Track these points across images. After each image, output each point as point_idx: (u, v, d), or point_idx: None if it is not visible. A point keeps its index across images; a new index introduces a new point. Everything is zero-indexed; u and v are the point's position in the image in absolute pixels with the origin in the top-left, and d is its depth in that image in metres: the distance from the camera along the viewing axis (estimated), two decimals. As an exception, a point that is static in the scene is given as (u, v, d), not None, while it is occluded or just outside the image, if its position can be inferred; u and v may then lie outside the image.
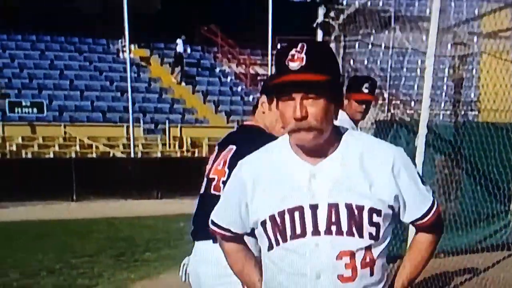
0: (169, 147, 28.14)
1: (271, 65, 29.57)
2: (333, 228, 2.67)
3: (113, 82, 31.52)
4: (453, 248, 9.27)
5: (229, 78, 34.98)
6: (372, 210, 2.69)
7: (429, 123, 7.42)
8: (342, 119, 6.15)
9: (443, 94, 11.39)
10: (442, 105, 11.54)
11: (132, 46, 30.54)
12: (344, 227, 2.67)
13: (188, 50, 34.13)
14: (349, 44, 10.05)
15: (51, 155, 25.22)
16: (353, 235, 2.67)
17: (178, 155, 27.34)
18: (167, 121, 28.60)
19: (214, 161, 4.34)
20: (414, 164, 2.92)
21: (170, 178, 21.41)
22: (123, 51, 32.73)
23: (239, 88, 34.14)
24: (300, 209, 2.70)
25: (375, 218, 2.69)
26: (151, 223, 16.09)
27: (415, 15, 10.65)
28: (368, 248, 2.70)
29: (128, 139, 26.73)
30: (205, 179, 4.35)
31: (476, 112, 11.87)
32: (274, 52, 28.82)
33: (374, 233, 2.70)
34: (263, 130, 4.23)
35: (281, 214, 2.72)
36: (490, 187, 9.54)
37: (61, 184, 20.41)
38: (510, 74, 9.48)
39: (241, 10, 35.83)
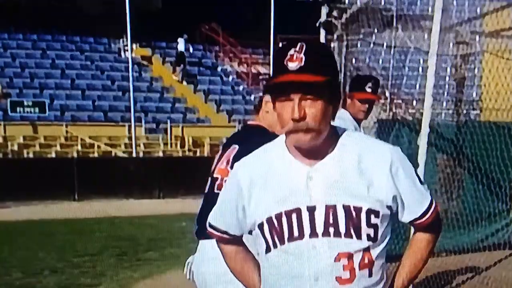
0: (171, 146, 28.14)
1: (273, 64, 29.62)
2: (331, 230, 2.65)
3: (115, 82, 31.52)
4: (455, 247, 9.29)
5: (230, 77, 34.98)
6: (370, 211, 2.67)
7: (431, 122, 7.43)
8: (345, 118, 6.22)
9: (445, 93, 11.40)
10: (444, 104, 11.55)
11: (134, 46, 30.52)
12: (342, 229, 2.65)
13: (190, 49, 34.11)
14: (351, 43, 10.06)
15: (53, 155, 25.22)
16: (351, 236, 2.66)
17: (180, 154, 27.33)
18: (168, 121, 28.60)
19: (218, 161, 4.37)
20: (412, 163, 2.91)
21: (172, 178, 21.43)
22: (124, 50, 32.74)
23: (241, 87, 34.14)
24: (298, 211, 2.68)
25: (373, 219, 2.68)
26: (153, 222, 16.10)
27: (417, 13, 10.66)
28: (367, 250, 2.68)
29: (129, 138, 26.74)
30: (210, 178, 4.38)
31: (478, 111, 11.87)
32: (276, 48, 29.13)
33: (372, 234, 2.68)
34: (266, 129, 4.26)
35: (278, 216, 2.70)
36: (492, 186, 9.56)
37: (63, 184, 20.42)
38: (512, 73, 9.49)
39: (243, 9, 35.85)
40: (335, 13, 9.69)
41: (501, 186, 9.48)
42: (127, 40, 28.42)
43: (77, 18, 32.28)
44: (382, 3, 10.07)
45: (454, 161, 9.63)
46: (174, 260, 10.89)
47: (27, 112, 26.83)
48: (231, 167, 4.07)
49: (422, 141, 7.29)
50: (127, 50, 29.23)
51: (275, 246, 2.72)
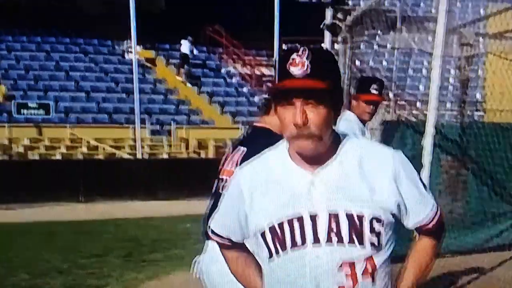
0: (175, 148, 28.15)
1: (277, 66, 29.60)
2: (334, 237, 2.64)
3: (119, 84, 31.55)
4: (459, 247, 9.32)
5: (234, 79, 34.99)
6: (373, 219, 2.65)
7: (435, 123, 7.46)
8: (350, 119, 6.28)
9: (449, 94, 11.43)
10: (448, 105, 11.58)
11: (138, 48, 30.56)
12: (345, 236, 2.64)
13: (194, 51, 34.14)
14: (356, 45, 10.09)
15: (58, 157, 25.25)
16: (354, 244, 2.64)
17: (184, 156, 27.34)
18: (173, 122, 28.62)
19: (224, 162, 4.41)
20: (417, 164, 2.91)
21: (177, 179, 21.44)
22: (128, 52, 32.77)
23: (245, 89, 34.14)
24: (300, 218, 2.66)
25: (377, 226, 2.66)
26: (158, 223, 16.11)
27: (420, 15, 10.69)
28: (370, 257, 2.67)
29: (134, 140, 26.76)
30: (217, 179, 4.41)
31: (482, 113, 11.91)
32: (280, 52, 29.07)
33: (375, 242, 2.67)
34: (272, 131, 4.28)
35: (280, 223, 2.69)
36: (496, 187, 9.59)
37: (68, 186, 20.42)
38: (516, 74, 9.53)
39: (247, 10, 35.86)
40: (340, 15, 9.72)
41: (505, 187, 9.52)
42: (131, 42, 28.45)
43: (81, 20, 32.32)
44: (386, 4, 10.11)
45: (459, 162, 9.66)
46: (178, 261, 10.94)
47: (33, 114, 26.86)
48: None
49: (427, 142, 7.31)
50: (131, 52, 29.26)
51: (277, 253, 2.71)
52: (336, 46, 9.94)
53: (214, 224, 3.05)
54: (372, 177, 2.69)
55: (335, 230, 2.63)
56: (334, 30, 9.74)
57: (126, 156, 26.02)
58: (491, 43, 10.70)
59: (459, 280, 8.80)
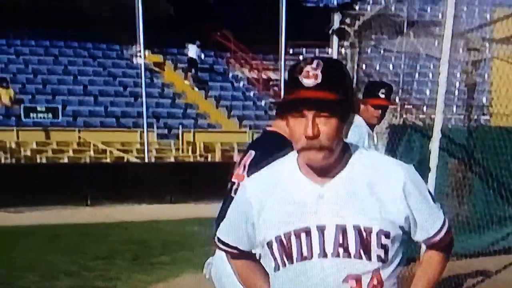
0: (182, 152, 28.19)
1: (284, 70, 29.63)
2: (341, 250, 2.62)
3: (127, 88, 31.61)
4: (465, 251, 9.34)
5: (241, 83, 35.03)
6: (381, 232, 2.63)
7: (442, 127, 7.51)
8: (358, 123, 6.33)
9: (456, 98, 11.46)
10: (455, 109, 11.62)
11: (146, 52, 30.63)
12: (352, 250, 2.62)
13: (202, 56, 34.19)
14: (363, 50, 10.13)
15: (66, 160, 25.31)
16: (361, 258, 2.62)
17: (192, 159, 27.37)
18: (180, 126, 28.65)
19: (236, 165, 4.46)
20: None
21: (184, 183, 21.48)
22: (136, 57, 32.84)
23: (252, 93, 34.19)
24: (307, 230, 2.65)
25: (384, 240, 2.64)
26: (165, 227, 16.16)
27: (427, 20, 10.74)
28: (376, 271, 2.65)
29: (141, 144, 26.80)
30: (229, 182, 4.46)
31: (488, 117, 11.94)
32: (287, 57, 29.13)
33: (382, 256, 2.64)
34: (283, 136, 4.30)
35: (288, 235, 2.67)
36: (502, 191, 9.62)
37: (75, 189, 20.43)
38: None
39: (254, 15, 35.92)
40: (348, 20, 9.76)
41: (511, 190, 9.54)
42: (139, 47, 28.53)
43: (89, 24, 32.41)
44: (393, 9, 10.16)
45: (465, 165, 9.69)
46: (186, 264, 11.01)
47: (41, 117, 26.90)
48: (247, 173, 4.17)
49: (434, 146, 7.36)
50: (139, 56, 29.32)
51: (284, 265, 2.70)
52: (342, 50, 9.99)
53: (222, 233, 3.04)
54: (381, 190, 2.67)
55: (342, 243, 2.62)
56: (342, 35, 9.79)
57: (133, 159, 26.06)
58: (497, 48, 10.73)
59: (465, 283, 8.83)
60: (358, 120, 6.32)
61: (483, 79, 11.61)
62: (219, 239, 3.05)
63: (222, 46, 36.37)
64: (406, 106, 11.71)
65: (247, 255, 3.01)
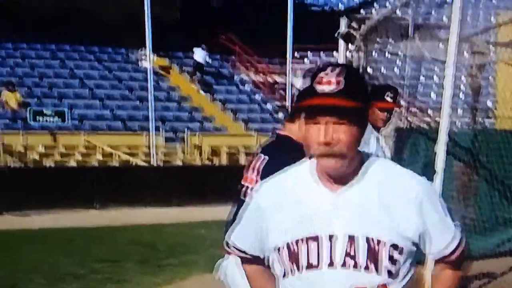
0: (189, 155, 28.22)
1: (290, 73, 29.70)
2: (350, 261, 2.58)
3: (133, 91, 31.67)
4: (470, 252, 9.39)
5: (247, 86, 35.08)
6: (392, 246, 2.59)
7: (448, 130, 7.55)
8: (365, 127, 6.37)
9: (461, 101, 11.51)
10: (460, 112, 11.66)
11: (152, 56, 30.69)
12: (362, 262, 2.58)
13: (207, 59, 34.24)
14: (369, 53, 10.19)
15: (73, 164, 25.34)
16: (369, 270, 2.58)
17: (198, 163, 27.40)
18: (186, 130, 28.69)
19: (247, 169, 4.51)
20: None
21: (190, 186, 21.53)
22: (142, 60, 32.90)
23: (257, 96, 34.23)
24: (317, 239, 2.61)
25: (395, 255, 2.60)
26: (172, 230, 16.19)
27: (432, 23, 10.80)
28: (384, 285, 2.61)
29: (148, 147, 26.84)
30: (241, 185, 4.51)
31: (493, 120, 11.98)
32: (293, 60, 29.17)
33: (392, 270, 2.60)
34: (294, 140, 4.33)
35: (297, 242, 2.64)
36: (507, 193, 9.66)
37: (82, 192, 20.47)
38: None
39: (260, 19, 35.97)
40: (354, 24, 9.82)
41: (516, 192, 9.59)
42: (145, 50, 28.58)
43: (96, 28, 32.47)
44: (398, 13, 10.22)
45: (470, 168, 9.73)
46: (193, 266, 11.08)
47: (48, 121, 26.93)
48: (259, 178, 4.22)
49: (440, 149, 7.40)
50: (145, 60, 29.36)
51: (292, 272, 2.67)
52: (348, 54, 10.06)
53: (233, 237, 3.01)
54: (395, 203, 2.63)
55: (352, 254, 2.58)
56: (348, 39, 9.85)
57: (140, 163, 26.09)
58: (502, 51, 10.78)
59: (470, 285, 8.86)
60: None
61: (488, 82, 11.66)
62: (230, 243, 3.04)
63: (228, 49, 36.42)
64: (411, 109, 11.76)
65: (257, 260, 2.97)
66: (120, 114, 29.69)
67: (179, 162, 26.79)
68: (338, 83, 2.52)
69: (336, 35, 9.98)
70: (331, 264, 2.60)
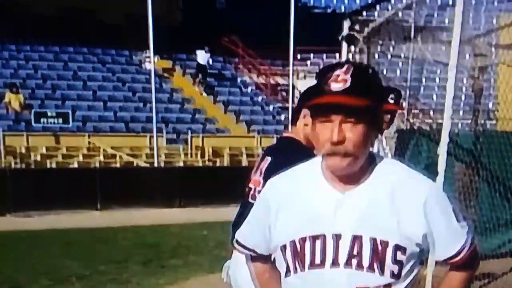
0: (191, 156, 28.25)
1: (292, 75, 29.75)
2: (354, 261, 2.57)
3: (136, 93, 31.71)
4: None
5: (249, 88, 35.12)
6: (397, 247, 2.57)
7: (450, 132, 7.59)
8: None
9: (462, 103, 11.56)
10: (461, 113, 11.71)
11: (155, 58, 30.73)
12: (365, 262, 2.57)
13: (210, 61, 34.27)
14: (371, 55, 10.23)
15: (75, 165, 25.38)
16: (373, 271, 2.57)
17: (200, 164, 27.43)
18: (189, 131, 28.73)
19: (253, 171, 4.54)
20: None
21: (192, 187, 21.56)
22: (145, 62, 32.94)
23: (260, 98, 34.28)
24: (322, 237, 2.60)
25: (399, 256, 2.58)
26: (175, 231, 16.23)
27: (434, 26, 10.84)
28: (387, 286, 2.60)
29: (151, 149, 26.88)
30: (246, 187, 4.53)
31: (495, 122, 12.02)
32: (295, 61, 29.19)
33: (396, 271, 2.59)
34: (299, 142, 4.34)
35: (302, 240, 2.63)
36: (508, 194, 9.68)
37: (85, 194, 20.52)
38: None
39: (262, 21, 35.99)
40: (357, 27, 9.85)
41: (517, 194, 9.61)
42: (148, 52, 28.63)
43: (98, 30, 32.50)
44: (400, 15, 10.26)
45: (472, 169, 9.75)
46: (196, 267, 11.12)
47: (51, 123, 26.95)
48: (264, 178, 4.25)
49: (442, 150, 7.43)
50: (148, 62, 29.40)
51: (295, 271, 2.66)
52: (350, 56, 10.09)
53: (240, 235, 3.02)
54: (402, 205, 2.60)
55: (356, 254, 2.57)
56: (351, 41, 9.89)
57: (143, 164, 26.13)
58: (504, 53, 10.82)
59: (471, 286, 8.90)
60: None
61: (490, 85, 11.70)
62: (237, 241, 3.04)
63: (230, 51, 36.46)
64: (413, 111, 11.80)
65: (264, 259, 2.97)
66: (123, 115, 29.73)
67: (181, 164, 26.82)
68: (346, 81, 2.50)
69: (339, 37, 10.01)
70: (335, 263, 2.59)
